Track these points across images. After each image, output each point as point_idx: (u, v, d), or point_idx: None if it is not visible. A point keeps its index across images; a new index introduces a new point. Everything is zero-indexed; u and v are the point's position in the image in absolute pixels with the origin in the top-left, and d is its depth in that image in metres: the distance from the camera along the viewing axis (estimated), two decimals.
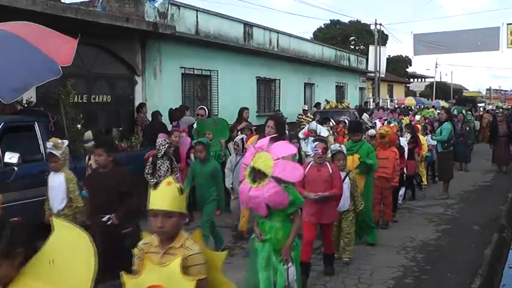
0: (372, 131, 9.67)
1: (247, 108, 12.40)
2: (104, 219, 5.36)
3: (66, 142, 6.32)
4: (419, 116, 17.90)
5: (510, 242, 8.68)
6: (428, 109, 25.55)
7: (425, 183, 12.60)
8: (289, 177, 4.41)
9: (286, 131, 8.66)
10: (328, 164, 6.08)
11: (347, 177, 6.54)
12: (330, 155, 6.49)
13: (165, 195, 2.93)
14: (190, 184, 7.05)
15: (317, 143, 6.17)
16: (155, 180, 7.59)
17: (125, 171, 5.84)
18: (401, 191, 10.32)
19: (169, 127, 12.42)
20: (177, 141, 8.95)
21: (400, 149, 9.44)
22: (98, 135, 8.61)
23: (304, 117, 17.54)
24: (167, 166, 7.99)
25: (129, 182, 5.55)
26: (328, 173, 5.99)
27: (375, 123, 12.37)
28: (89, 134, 8.25)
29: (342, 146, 6.77)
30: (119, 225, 5.35)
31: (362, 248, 7.36)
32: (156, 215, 2.90)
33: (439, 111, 25.61)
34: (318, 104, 21.58)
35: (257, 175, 4.43)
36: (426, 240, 7.96)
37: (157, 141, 8.08)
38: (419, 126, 13.34)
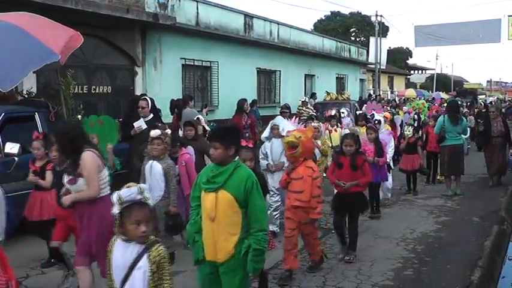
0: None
1: (246, 100, 12.38)
2: None
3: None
4: (406, 108, 17.66)
5: (510, 234, 8.68)
6: (419, 100, 24.46)
7: (439, 177, 12.00)
8: None
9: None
10: None
11: (144, 257, 3.13)
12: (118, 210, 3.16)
13: None
14: None
15: None
16: None
17: None
18: (390, 184, 9.77)
19: (170, 119, 12.42)
20: (40, 154, 6.21)
21: (379, 144, 8.70)
22: None
23: (304, 108, 17.51)
24: None
25: None
26: None
27: (373, 115, 11.45)
28: None
29: (142, 188, 3.19)
30: None
31: (362, 239, 7.36)
32: None
33: (430, 103, 25.18)
34: (313, 95, 21.50)
35: None
36: (426, 232, 7.97)
37: None
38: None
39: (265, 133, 8.02)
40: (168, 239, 6.19)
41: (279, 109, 16.04)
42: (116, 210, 3.14)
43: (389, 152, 9.57)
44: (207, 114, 13.70)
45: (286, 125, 7.42)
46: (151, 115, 8.27)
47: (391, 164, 9.92)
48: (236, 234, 3.92)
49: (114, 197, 3.15)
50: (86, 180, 4.62)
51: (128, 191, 3.16)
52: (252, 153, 5.36)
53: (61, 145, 4.84)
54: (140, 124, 7.93)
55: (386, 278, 5.96)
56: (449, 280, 5.98)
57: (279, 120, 7.85)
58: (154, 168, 6.11)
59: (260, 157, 7.67)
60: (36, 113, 7.65)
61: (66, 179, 4.80)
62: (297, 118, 7.82)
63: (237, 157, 4.03)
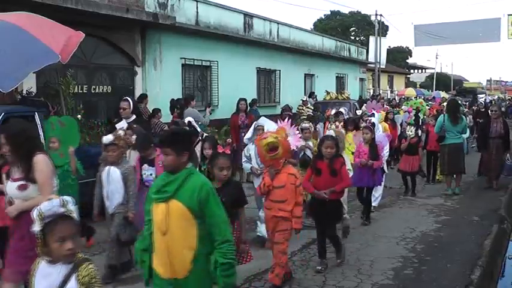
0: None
1: (245, 99, 12.37)
2: None
3: None
4: (406, 107, 17.58)
5: (510, 233, 8.70)
6: (417, 99, 24.16)
7: (438, 177, 11.96)
8: None
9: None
10: None
11: (72, 278, 2.79)
12: None
13: None
14: None
15: None
16: None
17: None
18: (379, 192, 9.44)
19: (169, 118, 12.42)
20: None
21: (374, 148, 8.31)
22: None
23: (304, 108, 17.55)
24: None
25: None
26: None
27: (373, 115, 11.40)
28: None
29: (65, 201, 2.80)
30: None
31: (362, 239, 7.37)
32: None
33: (431, 102, 25.11)
34: (312, 94, 21.50)
35: None
36: (426, 231, 7.97)
37: None
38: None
39: (248, 134, 7.54)
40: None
41: (280, 109, 16.04)
42: (36, 227, 2.71)
43: (385, 155, 9.22)
44: (210, 114, 13.70)
45: (271, 126, 6.91)
46: (134, 116, 8.02)
47: (385, 167, 9.65)
48: (193, 248, 3.49)
49: (35, 212, 2.73)
50: (40, 186, 4.12)
51: (49, 204, 2.74)
52: (230, 161, 4.88)
53: (13, 146, 4.19)
54: (122, 126, 7.68)
55: (386, 277, 5.96)
56: (449, 279, 5.99)
57: (263, 121, 7.40)
58: (112, 175, 5.76)
59: (243, 160, 7.33)
60: (36, 113, 7.65)
61: (12, 185, 4.21)
62: (291, 120, 7.56)
63: (190, 164, 3.66)
